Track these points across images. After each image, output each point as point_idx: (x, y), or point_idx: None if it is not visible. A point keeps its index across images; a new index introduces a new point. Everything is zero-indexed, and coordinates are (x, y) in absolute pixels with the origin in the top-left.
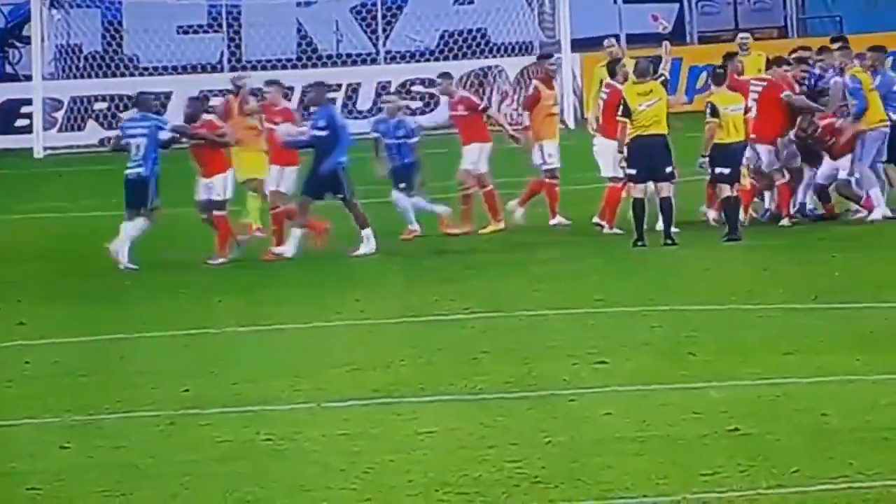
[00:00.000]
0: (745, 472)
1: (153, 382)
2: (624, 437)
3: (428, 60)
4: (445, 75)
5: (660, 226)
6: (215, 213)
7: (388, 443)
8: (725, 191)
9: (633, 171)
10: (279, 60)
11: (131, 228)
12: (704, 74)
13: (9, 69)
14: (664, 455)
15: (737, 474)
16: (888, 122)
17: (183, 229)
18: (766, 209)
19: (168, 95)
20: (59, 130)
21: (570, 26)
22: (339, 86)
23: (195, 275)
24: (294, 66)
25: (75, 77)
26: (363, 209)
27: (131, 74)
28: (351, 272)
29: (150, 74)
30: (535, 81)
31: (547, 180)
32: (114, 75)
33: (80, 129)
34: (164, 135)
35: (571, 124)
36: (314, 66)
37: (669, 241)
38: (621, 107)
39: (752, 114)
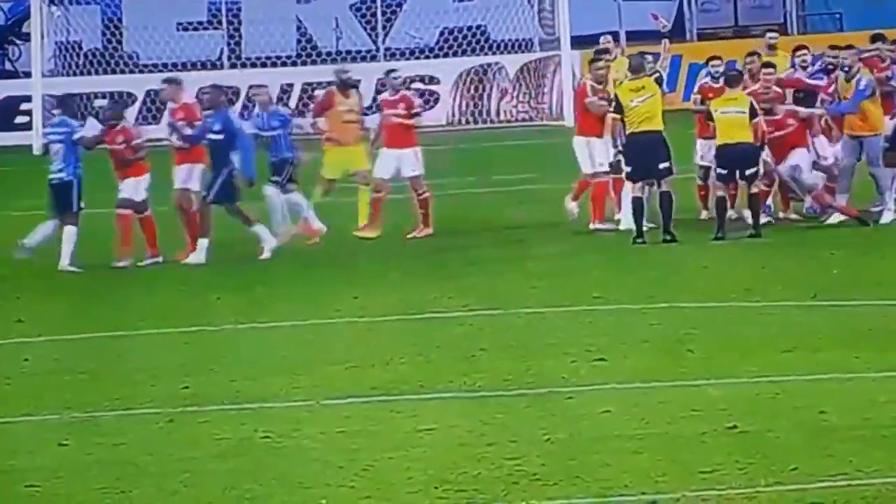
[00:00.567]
0: (743, 470)
1: (152, 379)
2: (622, 435)
3: (428, 57)
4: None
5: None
6: (137, 215)
7: (387, 440)
8: (719, 190)
9: (629, 169)
10: (279, 57)
11: (69, 238)
12: (703, 71)
13: (8, 66)
14: (663, 452)
15: (735, 472)
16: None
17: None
18: (808, 207)
19: None
20: None
21: (569, 23)
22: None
23: (194, 272)
24: (294, 63)
25: (75, 74)
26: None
27: (131, 71)
28: (350, 269)
29: (150, 71)
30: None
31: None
32: (113, 72)
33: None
34: (77, 138)
35: (570, 122)
36: (314, 62)
37: (669, 237)
38: (614, 103)
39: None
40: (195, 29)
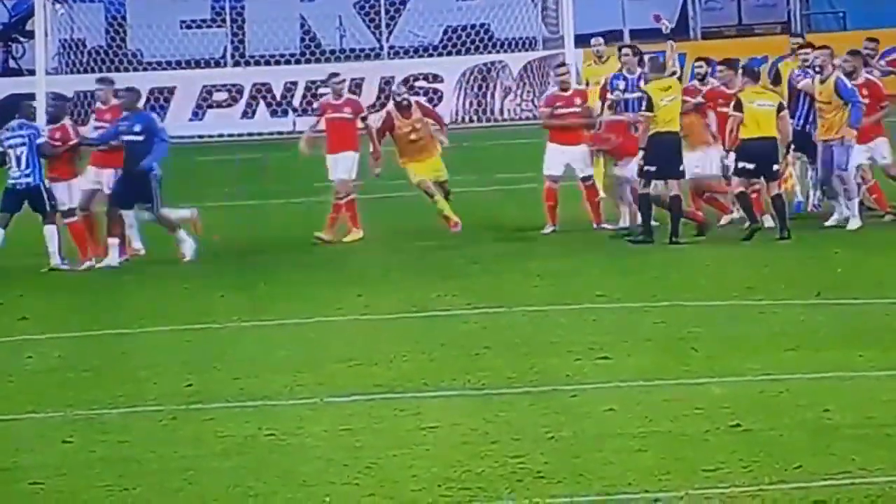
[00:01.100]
0: (747, 468)
1: (155, 377)
2: (626, 433)
3: (431, 56)
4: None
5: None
6: (66, 220)
7: (391, 438)
8: (742, 185)
9: (651, 168)
10: (282, 56)
11: (51, 237)
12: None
13: (12, 64)
14: (666, 451)
15: (739, 470)
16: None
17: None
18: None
19: (172, 90)
20: None
21: (573, 22)
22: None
23: (197, 269)
24: (297, 62)
25: (79, 72)
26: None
27: (135, 69)
28: (353, 267)
29: (154, 69)
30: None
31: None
32: (117, 70)
33: (83, 123)
34: (41, 142)
35: None
36: (317, 61)
37: (675, 240)
38: (645, 102)
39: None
40: (199, 27)
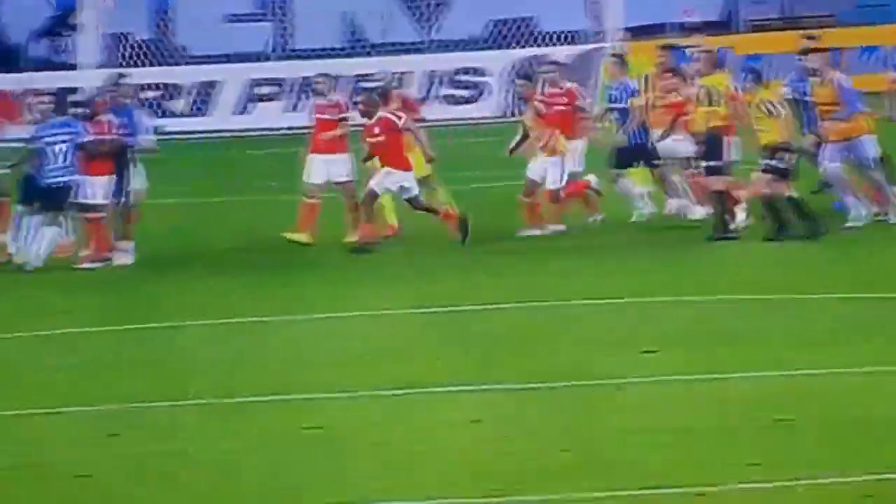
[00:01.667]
0: (791, 462)
1: (198, 371)
2: (670, 427)
3: (476, 49)
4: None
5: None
6: (89, 215)
7: (429, 433)
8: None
9: (719, 164)
10: (326, 50)
11: (51, 235)
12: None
13: (58, 58)
14: (711, 445)
15: (783, 464)
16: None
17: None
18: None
19: (218, 84)
20: None
21: (620, 14)
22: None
23: (241, 264)
24: (342, 55)
25: (124, 65)
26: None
27: (181, 63)
28: (392, 263)
29: (199, 63)
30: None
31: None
32: (162, 64)
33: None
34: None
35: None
36: (362, 55)
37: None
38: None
39: None
40: (245, 21)
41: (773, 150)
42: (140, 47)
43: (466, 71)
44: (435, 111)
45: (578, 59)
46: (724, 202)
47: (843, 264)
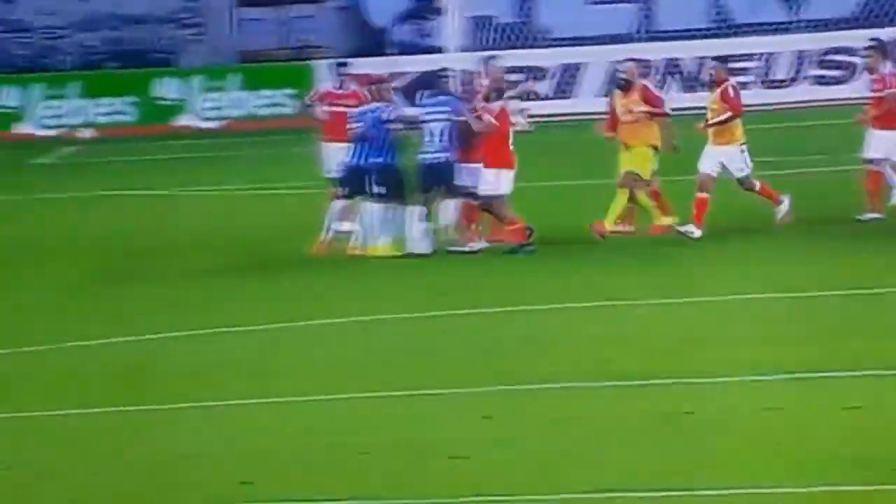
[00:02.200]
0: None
1: (575, 353)
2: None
3: (846, 29)
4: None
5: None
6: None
7: (814, 418)
8: None
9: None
10: (691, 30)
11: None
12: None
13: (423, 41)
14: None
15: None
16: None
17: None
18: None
19: (581, 66)
20: None
21: None
22: (754, 56)
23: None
24: (707, 36)
25: (488, 48)
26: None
27: (544, 45)
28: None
29: (562, 45)
30: None
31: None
32: (525, 46)
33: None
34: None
35: None
36: (727, 35)
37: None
38: None
39: None
40: (608, 3)
41: None
42: (503, 30)
43: (837, 51)
44: (804, 92)
45: None
46: None
47: None
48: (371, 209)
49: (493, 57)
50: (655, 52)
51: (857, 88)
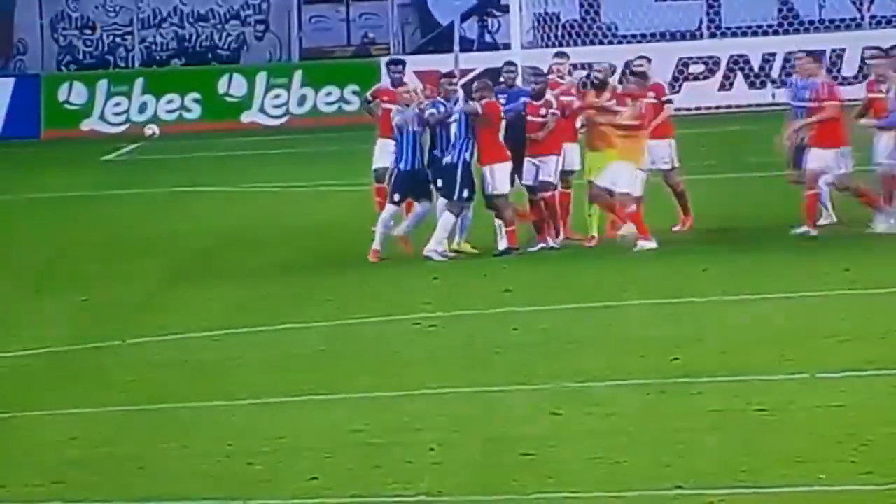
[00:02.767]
0: None
1: (641, 350)
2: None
3: None
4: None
5: None
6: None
7: (886, 415)
8: None
9: None
10: (759, 27)
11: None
12: None
13: (487, 38)
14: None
15: None
16: None
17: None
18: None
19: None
20: None
21: None
22: (822, 52)
23: (679, 243)
24: (775, 33)
25: (553, 45)
26: None
27: (609, 42)
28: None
29: (629, 42)
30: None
31: None
32: (591, 43)
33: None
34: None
35: None
36: (796, 31)
37: None
38: None
39: None
40: None
41: None
42: (569, 27)
43: None
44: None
45: None
46: None
47: None
48: (441, 207)
49: (560, 53)
50: (722, 48)
51: None
